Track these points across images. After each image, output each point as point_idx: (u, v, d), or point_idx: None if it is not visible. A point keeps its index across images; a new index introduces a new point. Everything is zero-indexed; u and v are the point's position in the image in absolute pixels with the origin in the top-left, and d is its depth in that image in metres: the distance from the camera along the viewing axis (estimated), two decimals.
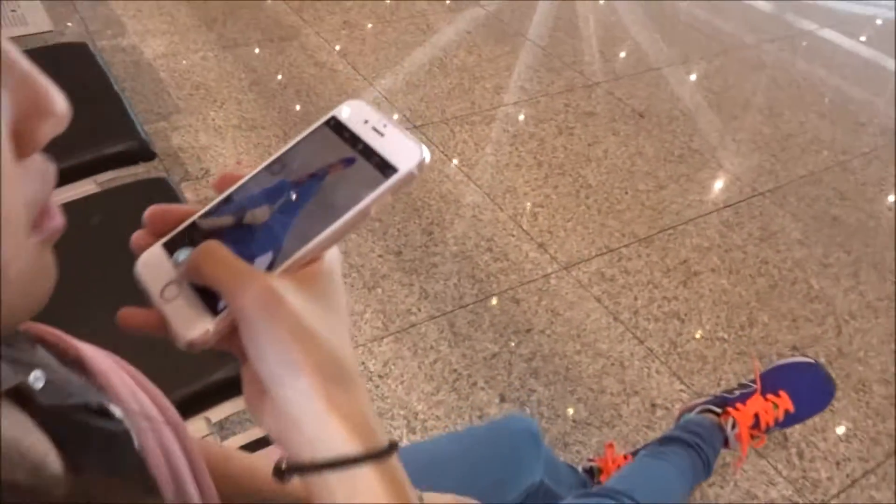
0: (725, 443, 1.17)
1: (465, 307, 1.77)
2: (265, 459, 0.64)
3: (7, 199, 0.26)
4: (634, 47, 3.18)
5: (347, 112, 0.40)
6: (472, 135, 2.40)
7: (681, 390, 1.62)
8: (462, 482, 0.78)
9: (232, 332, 0.36)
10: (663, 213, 2.15)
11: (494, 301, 1.79)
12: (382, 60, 2.78)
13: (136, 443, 0.46)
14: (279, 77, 2.58)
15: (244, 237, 0.37)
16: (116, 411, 0.44)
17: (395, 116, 2.44)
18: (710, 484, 1.42)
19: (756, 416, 1.13)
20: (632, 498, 0.86)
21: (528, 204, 2.13)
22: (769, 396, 1.16)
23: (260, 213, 0.38)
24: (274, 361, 0.33)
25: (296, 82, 2.56)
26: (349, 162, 0.38)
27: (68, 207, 1.18)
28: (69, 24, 2.72)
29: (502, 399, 1.56)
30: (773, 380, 1.20)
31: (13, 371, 0.33)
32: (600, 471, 1.23)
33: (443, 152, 2.30)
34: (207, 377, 0.93)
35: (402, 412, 1.50)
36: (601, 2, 3.62)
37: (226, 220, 0.38)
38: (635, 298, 1.85)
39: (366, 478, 0.34)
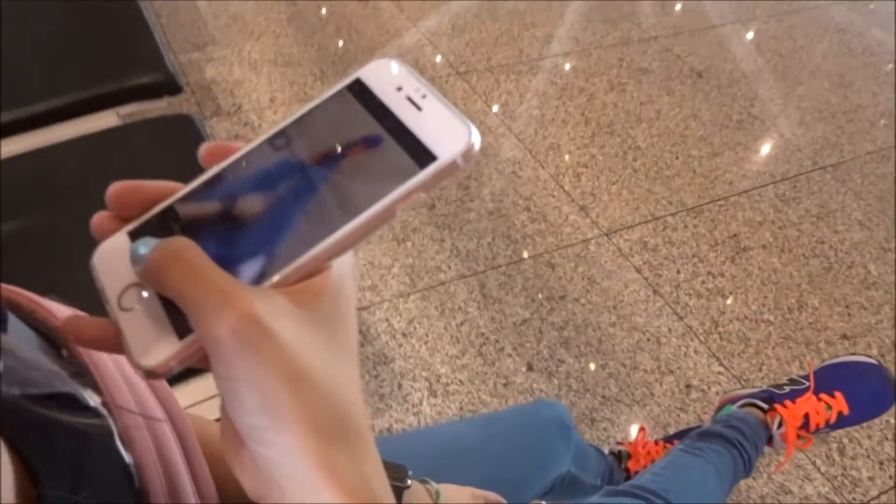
0: (769, 441, 1.08)
1: (498, 268, 1.69)
2: None
3: None
4: (696, 1, 2.98)
5: (376, 73, 0.30)
6: (518, 85, 2.28)
7: (719, 373, 1.53)
8: (484, 474, 0.72)
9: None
10: (715, 182, 2.02)
11: (529, 264, 1.71)
12: (428, 1, 2.64)
13: (117, 440, 0.39)
14: (322, 12, 2.47)
15: (230, 233, 0.28)
16: (91, 402, 0.38)
17: (438, 59, 2.33)
18: None
19: (806, 416, 1.04)
20: (666, 500, 0.79)
21: (572, 163, 2.02)
22: (822, 396, 1.07)
23: (253, 202, 0.29)
24: (254, 411, 0.25)
25: (336, 18, 2.45)
26: (374, 142, 0.28)
27: (87, 141, 1.11)
28: None
29: (529, 368, 1.49)
30: (828, 378, 1.10)
31: None
32: (629, 456, 1.16)
33: (485, 102, 2.19)
34: None
35: (423, 374, 1.45)
36: None
37: (209, 207, 0.29)
38: (678, 271, 1.74)
39: None
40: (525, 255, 1.73)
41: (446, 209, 1.81)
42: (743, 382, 1.52)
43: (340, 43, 2.34)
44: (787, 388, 1.11)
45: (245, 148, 0.30)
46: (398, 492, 0.60)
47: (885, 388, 1.11)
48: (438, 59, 2.34)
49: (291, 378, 0.25)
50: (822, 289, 1.75)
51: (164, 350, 0.27)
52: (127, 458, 0.39)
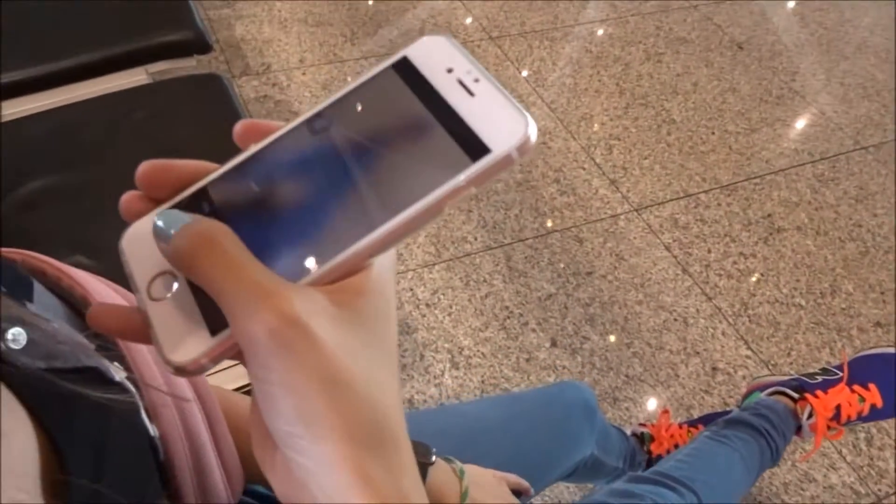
0: (797, 431, 1.06)
1: (524, 241, 1.66)
2: None
3: None
4: None
5: (425, 52, 0.27)
6: (551, 52, 2.22)
7: (746, 356, 1.50)
8: (507, 455, 0.71)
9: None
10: (751, 159, 1.97)
11: (556, 238, 1.68)
12: None
13: (143, 413, 0.38)
14: None
15: (266, 222, 0.26)
16: (117, 376, 0.37)
17: (469, 21, 2.27)
18: None
19: (838, 407, 1.02)
20: (691, 489, 0.78)
21: (604, 135, 1.97)
22: (856, 388, 1.04)
23: (291, 191, 0.26)
24: (289, 416, 0.23)
25: None
26: (421, 129, 0.26)
27: (114, 98, 1.09)
28: None
29: (553, 344, 1.48)
30: (863, 369, 1.07)
31: None
32: (651, 438, 1.15)
33: (517, 68, 2.13)
34: None
35: (446, 345, 1.44)
36: None
37: (244, 192, 0.27)
38: (709, 251, 1.71)
39: None
40: (553, 228, 1.70)
41: None
42: (770, 367, 1.49)
43: (371, 2, 2.29)
44: (820, 378, 1.08)
45: (282, 129, 0.28)
46: (423, 469, 0.59)
47: None
48: (469, 21, 2.28)
49: (330, 383, 0.23)
50: (856, 274, 1.70)
51: (195, 346, 0.25)
52: (152, 430, 0.39)
